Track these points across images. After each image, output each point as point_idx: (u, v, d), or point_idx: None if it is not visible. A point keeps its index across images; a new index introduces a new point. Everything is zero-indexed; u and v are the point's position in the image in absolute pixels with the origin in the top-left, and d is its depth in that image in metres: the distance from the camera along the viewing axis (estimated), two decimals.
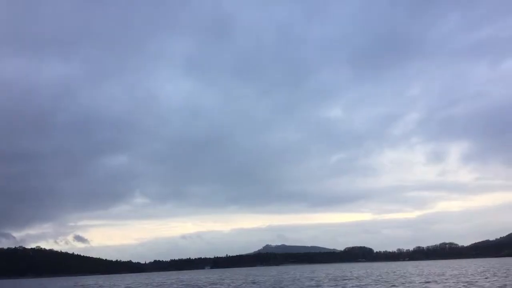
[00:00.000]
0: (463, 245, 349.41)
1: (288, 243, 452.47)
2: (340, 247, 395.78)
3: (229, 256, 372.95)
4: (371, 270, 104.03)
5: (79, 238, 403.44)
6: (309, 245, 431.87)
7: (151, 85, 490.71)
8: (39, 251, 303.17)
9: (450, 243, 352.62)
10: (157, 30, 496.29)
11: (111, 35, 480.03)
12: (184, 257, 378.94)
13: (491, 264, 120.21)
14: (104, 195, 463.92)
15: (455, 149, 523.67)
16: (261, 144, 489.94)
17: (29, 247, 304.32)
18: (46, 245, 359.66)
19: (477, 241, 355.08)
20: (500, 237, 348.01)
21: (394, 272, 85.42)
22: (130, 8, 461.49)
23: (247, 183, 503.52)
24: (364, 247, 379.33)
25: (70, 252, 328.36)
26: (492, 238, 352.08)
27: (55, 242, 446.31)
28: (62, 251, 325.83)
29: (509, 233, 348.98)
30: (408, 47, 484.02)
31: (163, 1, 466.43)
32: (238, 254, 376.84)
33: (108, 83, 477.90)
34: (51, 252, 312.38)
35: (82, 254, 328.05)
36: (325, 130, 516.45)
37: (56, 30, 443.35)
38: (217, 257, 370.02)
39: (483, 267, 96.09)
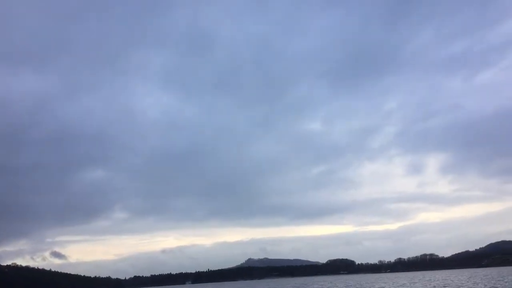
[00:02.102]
0: (443, 256, 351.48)
1: (270, 256, 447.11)
2: (323, 260, 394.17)
3: (210, 270, 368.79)
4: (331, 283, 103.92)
5: (56, 254, 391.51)
6: (292, 258, 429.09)
7: (129, 99, 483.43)
8: (15, 268, 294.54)
9: (431, 254, 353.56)
10: (135, 44, 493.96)
11: (88, 48, 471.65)
12: (165, 272, 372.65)
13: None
14: (83, 210, 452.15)
15: (433, 161, 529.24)
16: (242, 158, 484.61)
17: (5, 264, 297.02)
18: (22, 261, 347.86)
19: (457, 251, 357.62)
20: (480, 248, 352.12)
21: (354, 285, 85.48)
22: (108, 21, 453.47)
23: (229, 196, 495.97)
24: (346, 259, 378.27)
25: (48, 268, 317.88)
26: (472, 249, 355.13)
27: (32, 258, 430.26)
28: (39, 267, 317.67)
29: (488, 243, 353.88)
30: (384, 61, 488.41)
31: (141, 14, 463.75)
32: (220, 268, 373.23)
33: (85, 97, 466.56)
34: (27, 269, 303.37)
35: (59, 271, 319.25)
36: (305, 143, 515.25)
37: (31, 43, 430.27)
38: (198, 271, 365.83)
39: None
